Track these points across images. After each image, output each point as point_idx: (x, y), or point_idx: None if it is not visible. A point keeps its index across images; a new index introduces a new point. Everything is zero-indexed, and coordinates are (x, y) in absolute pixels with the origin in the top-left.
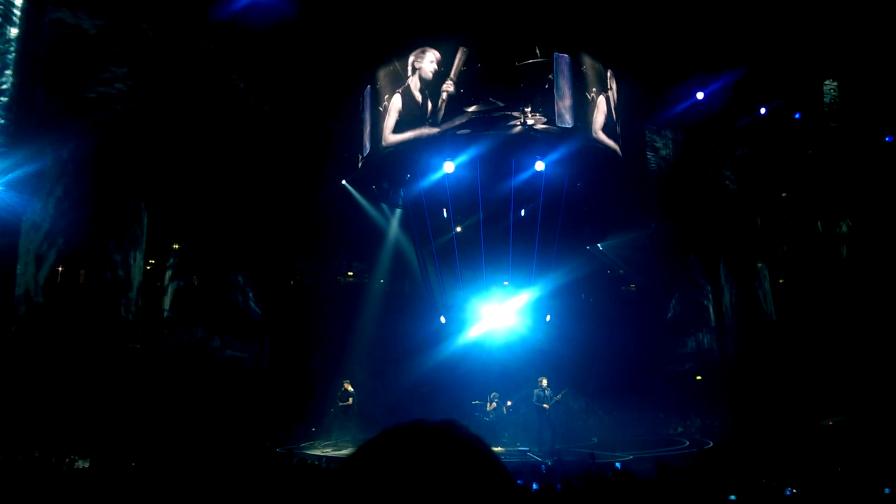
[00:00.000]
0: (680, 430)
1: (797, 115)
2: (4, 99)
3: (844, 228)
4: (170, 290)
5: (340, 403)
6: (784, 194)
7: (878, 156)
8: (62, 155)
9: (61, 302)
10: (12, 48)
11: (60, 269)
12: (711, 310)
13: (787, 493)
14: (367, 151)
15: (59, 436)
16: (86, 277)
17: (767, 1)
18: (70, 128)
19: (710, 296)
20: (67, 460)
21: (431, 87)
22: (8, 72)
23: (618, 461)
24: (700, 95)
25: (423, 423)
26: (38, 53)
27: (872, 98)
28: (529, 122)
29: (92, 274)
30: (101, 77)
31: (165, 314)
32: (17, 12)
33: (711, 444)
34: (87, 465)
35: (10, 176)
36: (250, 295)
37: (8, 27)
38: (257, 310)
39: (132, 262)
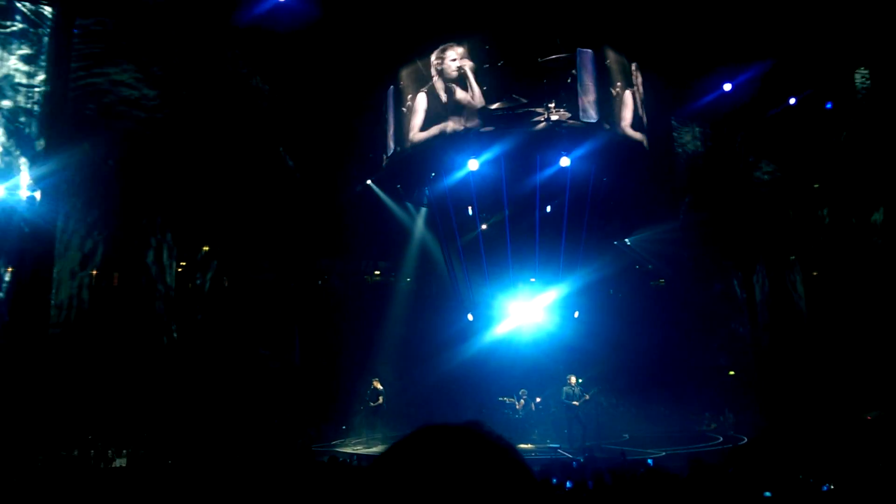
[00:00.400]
0: (713, 426)
1: (828, 105)
2: (37, 108)
3: (878, 218)
4: (201, 292)
5: (371, 403)
6: (816, 185)
7: None
8: (94, 160)
9: (99, 305)
10: (43, 57)
11: (95, 272)
12: (743, 303)
13: (825, 489)
14: (392, 151)
15: (97, 434)
16: (120, 280)
17: None
18: (100, 134)
19: (742, 289)
20: (105, 457)
21: (455, 85)
22: (40, 77)
23: (650, 458)
24: (727, 87)
25: (450, 423)
26: (67, 61)
27: None
28: (554, 117)
29: (126, 277)
30: (128, 83)
31: (198, 316)
32: (48, 19)
33: (745, 440)
34: (123, 463)
35: (44, 183)
36: (280, 295)
37: (41, 33)
38: (287, 309)
39: (166, 264)
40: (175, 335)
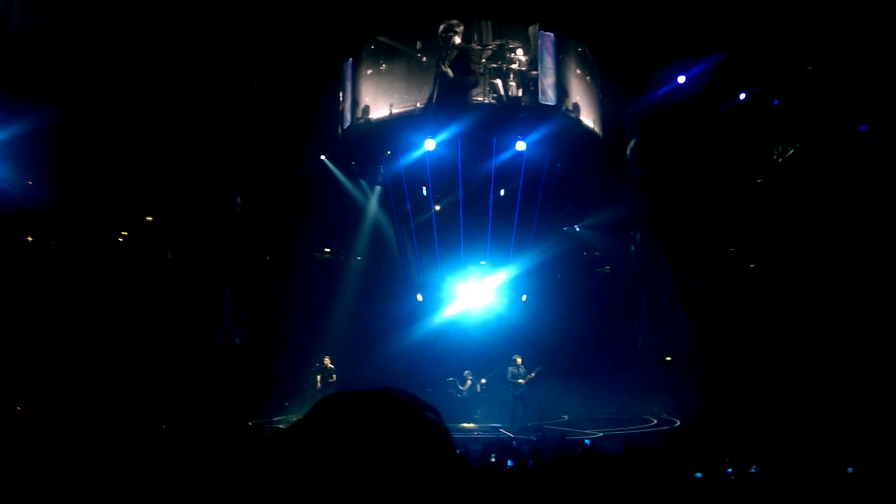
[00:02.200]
0: (652, 408)
1: (776, 102)
2: None
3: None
4: (140, 263)
5: (321, 379)
6: (759, 180)
7: (854, 144)
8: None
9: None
10: None
11: (31, 238)
12: (683, 292)
13: (752, 470)
14: (348, 124)
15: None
16: (56, 248)
17: None
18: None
19: (682, 278)
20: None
21: (415, 62)
22: None
23: (587, 438)
24: (681, 79)
25: (362, 392)
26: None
27: (850, 86)
28: (512, 93)
29: (63, 245)
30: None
31: (136, 289)
32: None
33: (679, 422)
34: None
35: None
36: (224, 269)
37: None
38: (231, 284)
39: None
40: (112, 309)
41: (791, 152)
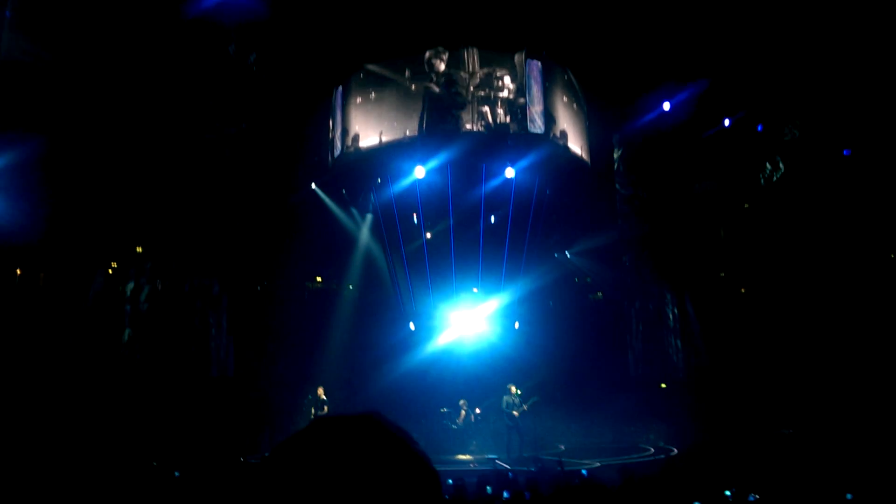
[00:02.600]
0: (648, 437)
1: (759, 128)
2: None
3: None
4: (131, 295)
5: (315, 410)
6: (746, 205)
7: (837, 168)
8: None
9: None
10: None
11: (19, 271)
12: (675, 318)
13: (751, 499)
14: (338, 153)
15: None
16: (45, 281)
17: (732, 15)
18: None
19: (674, 305)
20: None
21: (403, 90)
22: None
23: (584, 468)
24: (666, 106)
25: (346, 415)
26: None
27: (832, 111)
28: (500, 121)
29: (52, 278)
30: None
31: (127, 322)
32: None
33: (676, 451)
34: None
35: None
36: (216, 300)
37: None
38: (222, 316)
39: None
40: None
41: (777, 176)
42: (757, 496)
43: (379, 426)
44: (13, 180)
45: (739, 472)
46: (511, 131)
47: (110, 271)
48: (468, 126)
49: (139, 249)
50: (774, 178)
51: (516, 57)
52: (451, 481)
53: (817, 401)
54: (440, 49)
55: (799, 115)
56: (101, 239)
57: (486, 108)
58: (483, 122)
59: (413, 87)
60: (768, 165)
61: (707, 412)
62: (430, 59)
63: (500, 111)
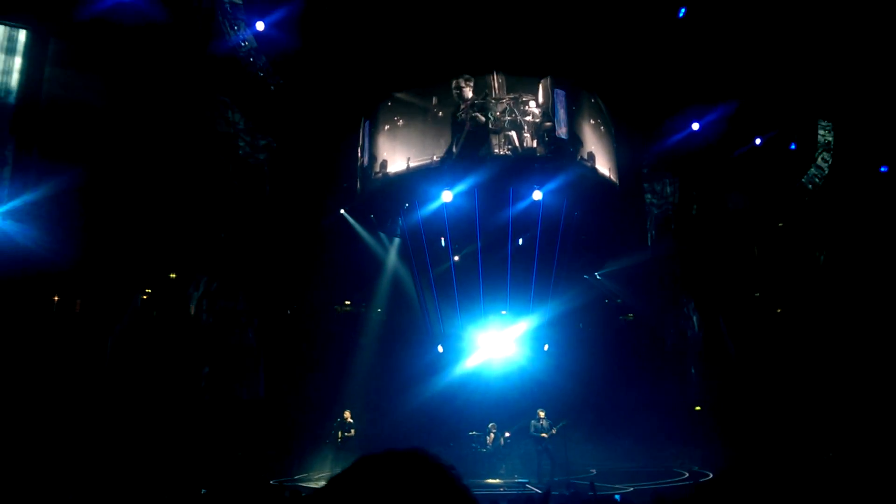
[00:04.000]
0: (679, 461)
1: (792, 146)
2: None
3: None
4: (166, 319)
5: (342, 434)
6: (781, 224)
7: (874, 185)
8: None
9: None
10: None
11: (57, 298)
12: (709, 340)
13: None
14: (366, 179)
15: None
16: (82, 307)
17: (761, 34)
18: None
19: (708, 326)
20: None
21: (430, 117)
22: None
23: (617, 493)
24: (695, 126)
25: (394, 451)
26: (39, 83)
27: (868, 128)
28: (527, 144)
29: (88, 303)
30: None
31: (163, 345)
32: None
33: (711, 475)
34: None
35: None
36: (248, 323)
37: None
38: (252, 339)
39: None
40: (139, 364)
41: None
42: None
43: (424, 463)
44: (51, 209)
45: (777, 498)
46: (538, 154)
47: (144, 297)
48: (496, 150)
49: (173, 276)
50: (807, 198)
51: (542, 82)
52: None
53: (858, 423)
54: (467, 77)
55: (833, 133)
56: (136, 266)
57: (514, 133)
58: (510, 146)
59: (440, 113)
60: (807, 179)
61: (742, 435)
62: (457, 86)
63: (527, 135)
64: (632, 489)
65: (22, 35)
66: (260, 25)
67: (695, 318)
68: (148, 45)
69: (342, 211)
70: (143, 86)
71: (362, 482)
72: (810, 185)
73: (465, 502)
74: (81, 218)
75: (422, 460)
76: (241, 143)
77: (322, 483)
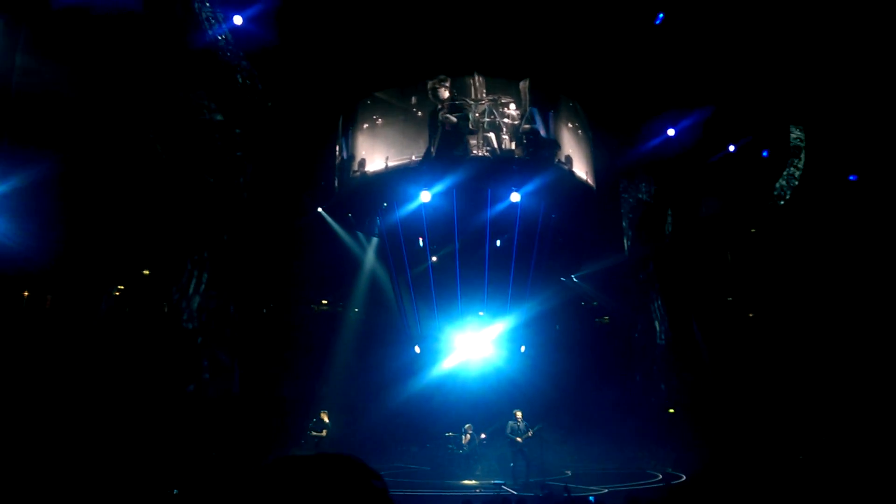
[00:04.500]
0: (653, 463)
1: (765, 153)
2: None
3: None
4: (136, 318)
5: (314, 433)
6: (753, 230)
7: (843, 193)
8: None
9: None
10: None
11: (26, 294)
12: (683, 343)
13: None
14: (344, 177)
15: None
16: (52, 303)
17: (736, 41)
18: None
19: (682, 329)
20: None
21: (410, 117)
22: None
23: (591, 495)
24: (671, 132)
25: (309, 455)
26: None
27: (837, 136)
28: (505, 146)
29: (59, 300)
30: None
31: (133, 342)
32: None
33: (684, 477)
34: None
35: None
36: (224, 321)
37: None
38: (228, 336)
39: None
40: (109, 362)
41: (784, 200)
42: None
43: (350, 467)
44: (21, 202)
45: (748, 499)
46: (516, 157)
47: (117, 293)
48: (475, 152)
49: (146, 272)
50: (780, 204)
51: (521, 84)
52: None
53: (828, 426)
54: (442, 77)
55: (805, 141)
56: (108, 262)
57: (492, 134)
58: (488, 148)
59: (419, 113)
60: (779, 185)
61: (716, 438)
62: (433, 87)
63: (506, 137)
64: (606, 490)
65: None
66: (237, 19)
67: (668, 322)
68: (123, 36)
69: (319, 209)
70: (118, 77)
71: (272, 484)
72: (782, 192)
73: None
74: (54, 212)
75: (338, 464)
76: (217, 137)
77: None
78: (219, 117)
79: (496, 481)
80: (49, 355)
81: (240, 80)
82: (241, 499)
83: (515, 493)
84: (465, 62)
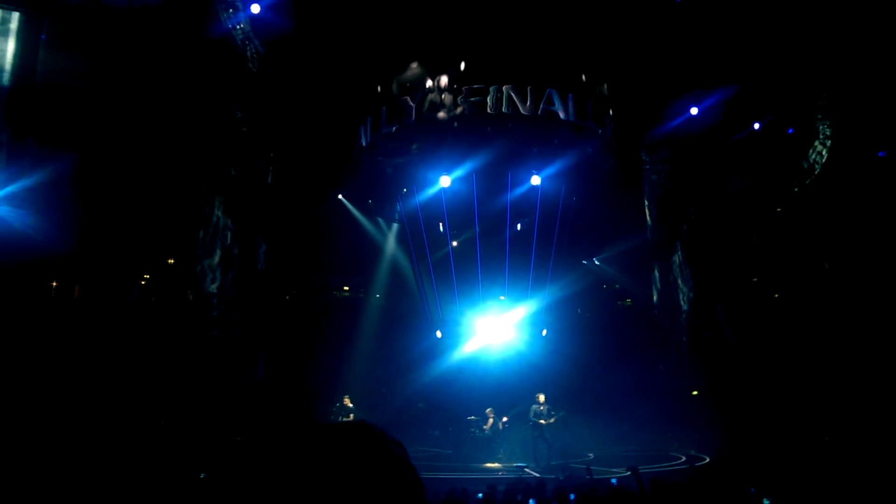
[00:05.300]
0: (676, 445)
1: (790, 131)
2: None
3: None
4: (163, 305)
5: (341, 419)
6: (779, 209)
7: (872, 170)
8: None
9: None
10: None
11: (55, 284)
12: (707, 325)
13: (766, 502)
14: (366, 163)
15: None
16: (80, 293)
17: (760, 18)
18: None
19: (706, 311)
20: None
21: (434, 103)
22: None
23: (614, 477)
24: (694, 111)
25: (337, 423)
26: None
27: (865, 113)
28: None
29: (86, 289)
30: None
31: (160, 330)
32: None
33: (708, 459)
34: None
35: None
36: (246, 309)
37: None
38: (252, 324)
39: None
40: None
41: (810, 180)
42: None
43: (370, 434)
44: (48, 195)
45: (773, 481)
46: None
47: (143, 283)
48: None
49: (171, 261)
50: (805, 183)
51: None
52: (479, 495)
53: (854, 407)
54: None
55: (832, 117)
56: (134, 251)
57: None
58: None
59: (443, 98)
60: (805, 164)
61: (740, 420)
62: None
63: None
64: (629, 473)
65: (15, 17)
66: (255, 8)
67: (699, 303)
68: (142, 28)
69: (340, 196)
70: (138, 70)
71: (300, 447)
72: (809, 171)
73: (405, 473)
74: (78, 203)
75: (366, 431)
76: (242, 127)
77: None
78: (240, 106)
79: (519, 464)
80: (79, 344)
81: (260, 69)
82: (262, 462)
83: (538, 475)
84: (484, 46)
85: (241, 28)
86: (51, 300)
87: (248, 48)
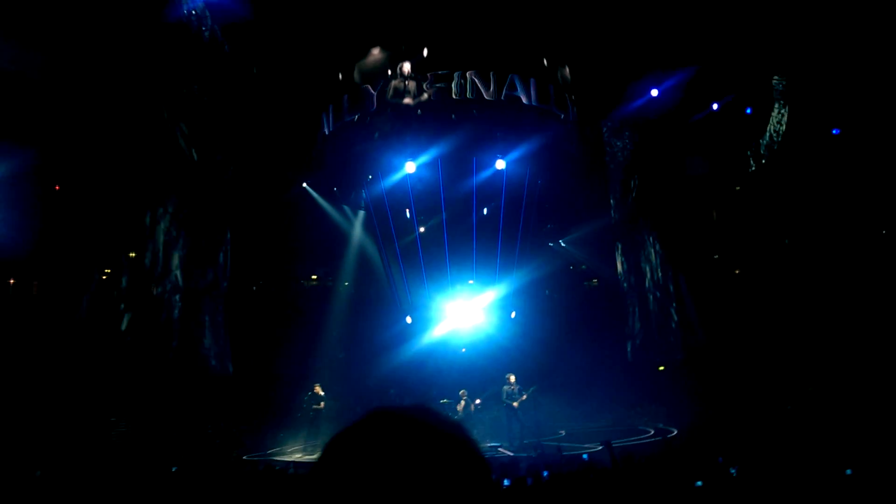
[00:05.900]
0: (645, 419)
1: (748, 110)
2: None
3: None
4: (128, 296)
5: (314, 407)
6: (738, 188)
7: (826, 148)
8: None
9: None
10: None
11: (13, 281)
12: (671, 301)
13: (732, 472)
14: (329, 150)
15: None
16: (39, 289)
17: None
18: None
19: (670, 288)
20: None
21: (399, 89)
22: None
23: (585, 453)
24: (654, 92)
25: (398, 408)
26: None
27: (820, 91)
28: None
29: (45, 285)
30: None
31: (125, 320)
32: None
33: (675, 432)
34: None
35: None
36: (215, 299)
37: None
38: (221, 314)
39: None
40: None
41: (766, 158)
42: (738, 469)
43: (433, 416)
44: (4, 192)
45: (740, 450)
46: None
47: (104, 277)
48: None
49: (132, 255)
50: (763, 161)
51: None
52: None
53: (815, 377)
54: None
55: (787, 96)
56: (94, 246)
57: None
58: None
59: (406, 84)
60: (762, 143)
61: (706, 392)
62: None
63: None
64: (600, 448)
65: None
66: None
67: (662, 281)
68: (96, 14)
69: (304, 184)
70: (93, 58)
71: (374, 439)
72: (766, 150)
73: (472, 454)
74: (36, 200)
75: (429, 414)
76: (199, 114)
77: (308, 457)
78: (198, 93)
79: (492, 444)
80: (41, 340)
81: (218, 55)
82: (343, 456)
83: (511, 454)
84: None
85: (197, 13)
86: (9, 298)
87: (206, 33)
